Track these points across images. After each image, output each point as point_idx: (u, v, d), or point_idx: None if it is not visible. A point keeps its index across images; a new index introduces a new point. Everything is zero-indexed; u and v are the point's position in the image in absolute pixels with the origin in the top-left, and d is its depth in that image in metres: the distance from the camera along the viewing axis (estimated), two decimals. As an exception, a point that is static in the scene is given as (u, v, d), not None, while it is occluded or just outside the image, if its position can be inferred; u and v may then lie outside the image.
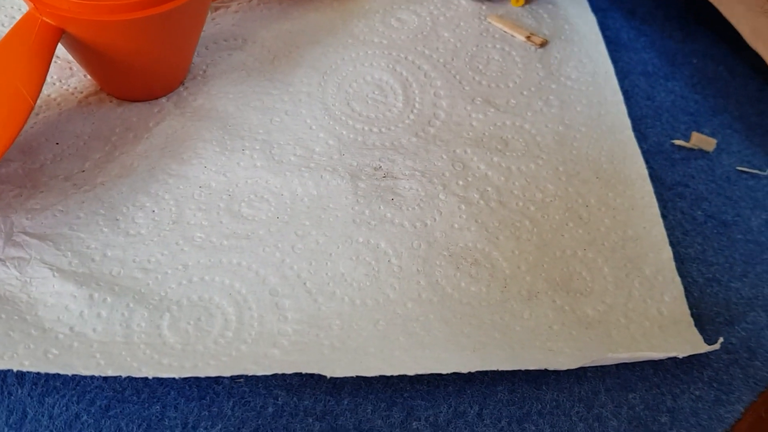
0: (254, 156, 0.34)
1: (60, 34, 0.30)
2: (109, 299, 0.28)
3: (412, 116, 0.36)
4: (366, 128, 0.36)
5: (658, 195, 0.35)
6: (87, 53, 0.32)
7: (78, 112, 0.34)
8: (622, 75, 0.40)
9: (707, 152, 0.37)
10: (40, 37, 0.29)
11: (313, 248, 0.31)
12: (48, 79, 0.35)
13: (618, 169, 0.35)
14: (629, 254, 0.32)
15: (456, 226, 0.32)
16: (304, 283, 0.30)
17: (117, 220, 0.31)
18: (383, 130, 0.36)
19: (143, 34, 0.31)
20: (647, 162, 0.36)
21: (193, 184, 0.32)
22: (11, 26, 0.36)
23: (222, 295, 0.29)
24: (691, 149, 0.37)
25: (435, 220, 0.32)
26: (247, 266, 0.30)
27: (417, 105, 0.37)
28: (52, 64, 0.33)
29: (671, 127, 0.38)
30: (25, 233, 0.30)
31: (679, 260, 0.33)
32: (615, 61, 0.40)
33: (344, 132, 0.35)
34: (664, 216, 0.34)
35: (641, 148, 0.36)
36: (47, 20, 0.29)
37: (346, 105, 0.36)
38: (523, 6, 0.42)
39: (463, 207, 0.33)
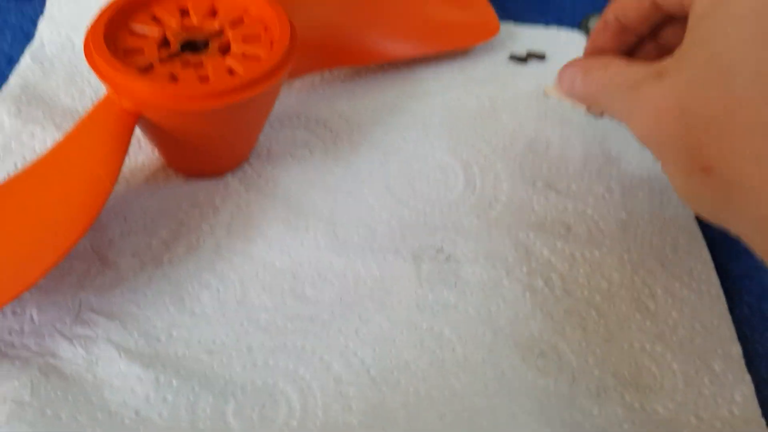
0: (318, 236, 0.34)
1: (137, 118, 0.30)
2: (174, 382, 0.28)
3: (473, 198, 0.36)
4: (428, 209, 0.36)
5: (724, 287, 0.34)
6: (159, 134, 0.32)
7: (146, 188, 0.35)
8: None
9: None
10: (119, 122, 0.30)
11: (376, 333, 0.30)
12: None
13: (683, 259, 0.35)
14: (698, 349, 0.31)
15: (521, 314, 0.32)
16: (368, 371, 0.29)
17: (183, 298, 0.31)
18: (444, 211, 0.36)
19: (217, 121, 0.32)
20: (712, 252, 0.35)
21: (258, 263, 0.32)
22: (82, 101, 0.38)
23: (286, 380, 0.29)
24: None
25: (499, 307, 0.32)
26: (311, 350, 0.30)
27: (478, 187, 0.37)
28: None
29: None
30: (93, 311, 0.30)
31: (748, 357, 0.32)
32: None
33: (406, 212, 0.35)
34: (730, 310, 0.33)
35: (706, 237, 0.36)
36: (126, 105, 0.30)
37: (408, 185, 0.37)
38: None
39: (527, 294, 0.32)
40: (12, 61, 0.40)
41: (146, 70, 0.31)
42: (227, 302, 0.31)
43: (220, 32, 0.33)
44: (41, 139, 0.36)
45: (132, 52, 0.32)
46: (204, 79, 0.31)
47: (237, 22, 0.34)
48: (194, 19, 0.34)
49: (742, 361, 0.31)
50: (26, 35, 0.42)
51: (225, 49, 0.33)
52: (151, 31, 0.33)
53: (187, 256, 0.32)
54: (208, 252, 0.33)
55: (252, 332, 0.30)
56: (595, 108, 0.32)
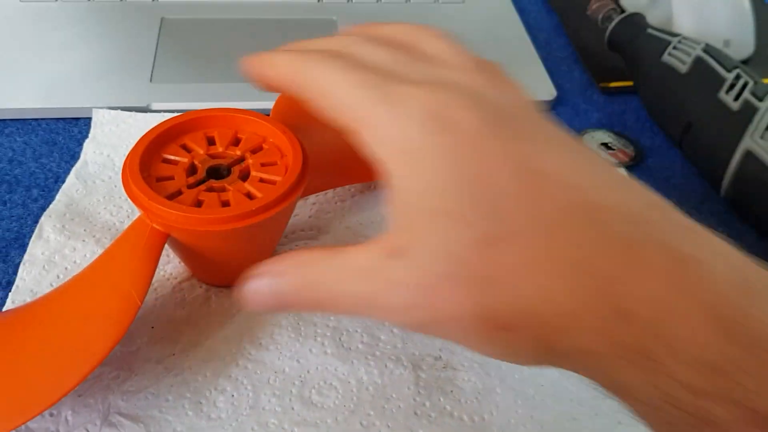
0: (325, 343, 0.37)
1: (166, 238, 0.34)
2: (190, 483, 0.31)
3: (470, 307, 0.39)
4: (427, 318, 0.39)
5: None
6: (186, 251, 0.36)
7: (171, 298, 0.38)
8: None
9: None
10: (150, 242, 0.34)
11: (376, 438, 0.33)
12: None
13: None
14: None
15: (512, 421, 0.34)
16: (368, 474, 0.32)
17: (200, 403, 0.34)
18: (443, 320, 0.39)
19: (237, 239, 0.35)
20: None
21: (269, 369, 0.36)
22: (119, 216, 0.42)
23: (292, 482, 0.31)
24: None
25: (492, 414, 0.34)
26: (315, 454, 0.32)
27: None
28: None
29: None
30: (120, 414, 0.33)
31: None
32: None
33: (407, 321, 0.38)
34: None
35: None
36: (156, 227, 0.34)
37: (410, 295, 0.40)
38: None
39: (519, 401, 0.35)
40: (59, 179, 0.45)
41: (174, 195, 0.35)
42: (240, 407, 0.34)
43: (242, 159, 0.37)
44: (81, 253, 0.40)
45: (163, 179, 0.36)
46: (225, 203, 0.35)
47: (257, 150, 0.38)
48: (219, 147, 0.38)
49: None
50: (72, 155, 0.47)
51: (245, 176, 0.37)
52: (181, 159, 0.37)
53: (205, 363, 0.35)
54: (225, 359, 0.36)
55: (262, 436, 0.33)
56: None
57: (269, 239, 0.39)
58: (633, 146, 0.51)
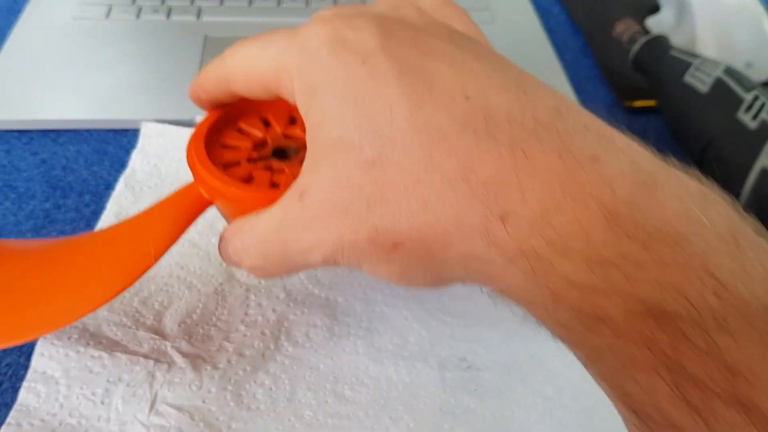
0: (357, 343, 0.39)
1: (207, 206, 0.34)
2: (232, 467, 0.33)
3: (495, 312, 0.41)
4: (454, 321, 0.41)
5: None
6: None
7: (213, 297, 0.41)
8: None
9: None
10: (189, 205, 0.34)
11: (404, 432, 0.35)
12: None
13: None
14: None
15: (532, 419, 0.36)
16: (396, 464, 0.34)
17: (241, 395, 0.36)
18: (469, 323, 0.41)
19: None
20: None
21: (305, 366, 0.38)
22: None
23: (325, 470, 0.33)
24: None
25: (513, 411, 0.36)
26: (347, 445, 0.35)
27: (499, 302, 0.42)
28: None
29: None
30: (167, 403, 0.36)
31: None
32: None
33: (435, 324, 0.41)
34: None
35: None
36: (202, 191, 0.34)
37: (437, 300, 0.42)
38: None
39: (539, 400, 0.37)
40: (109, 187, 0.48)
41: (230, 165, 0.35)
42: (278, 400, 0.36)
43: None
44: (130, 255, 0.43)
45: (228, 147, 0.36)
46: (275, 184, 0.34)
47: None
48: (277, 128, 0.37)
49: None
50: (121, 164, 0.50)
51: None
52: (254, 131, 0.37)
53: (245, 359, 0.38)
54: (263, 355, 0.38)
55: (298, 427, 0.35)
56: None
57: None
58: (654, 163, 0.53)
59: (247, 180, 0.34)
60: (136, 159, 0.50)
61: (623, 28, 0.58)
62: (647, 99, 0.58)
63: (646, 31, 0.58)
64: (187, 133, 0.51)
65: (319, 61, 0.25)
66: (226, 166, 0.34)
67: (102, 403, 0.36)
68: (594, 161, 0.22)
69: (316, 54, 0.25)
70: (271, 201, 0.32)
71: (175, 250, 0.43)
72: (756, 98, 0.48)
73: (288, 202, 0.27)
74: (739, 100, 0.48)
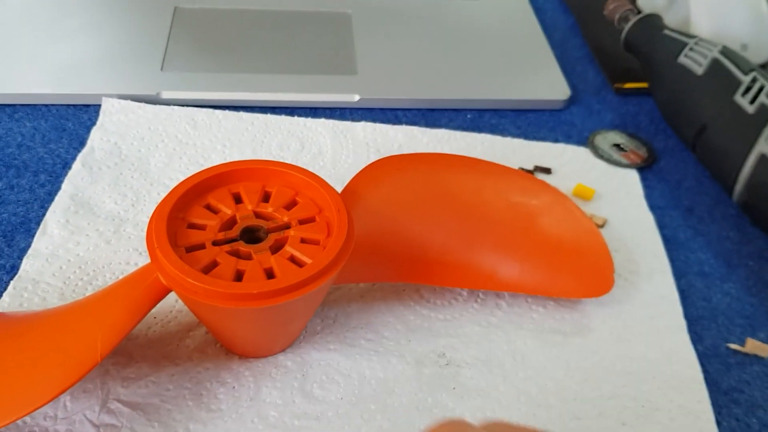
0: (328, 338, 0.37)
1: (166, 293, 0.31)
2: (188, 473, 0.30)
3: (476, 305, 0.39)
4: (432, 315, 0.38)
5: (712, 399, 0.36)
6: (197, 315, 0.34)
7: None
8: (678, 274, 0.42)
9: (762, 358, 0.38)
10: (144, 293, 0.31)
11: (377, 433, 0.33)
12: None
13: (675, 371, 0.36)
14: (684, 461, 0.33)
15: (515, 418, 0.34)
16: (367, 469, 0.31)
17: (201, 394, 0.34)
18: (448, 317, 0.38)
19: (252, 319, 0.32)
20: (702, 365, 0.37)
21: (271, 363, 0.35)
22: (123, 205, 0.42)
23: (290, 475, 0.31)
24: (746, 354, 0.38)
25: (494, 411, 0.34)
26: (315, 448, 0.32)
27: (481, 295, 0.39)
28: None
29: (727, 330, 0.39)
30: (119, 401, 0.33)
31: (735, 470, 0.33)
32: (672, 260, 0.43)
33: (412, 318, 0.38)
34: (718, 422, 0.35)
35: (697, 350, 0.38)
36: (160, 278, 0.31)
37: (416, 292, 0.39)
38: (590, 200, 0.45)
39: (522, 399, 0.34)
40: (67, 165, 0.45)
41: (195, 249, 0.32)
42: (241, 399, 0.34)
43: (287, 226, 0.33)
44: (85, 247, 0.40)
45: (195, 226, 0.33)
46: (240, 275, 0.31)
47: (290, 206, 0.34)
48: (248, 205, 0.34)
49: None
50: (81, 141, 0.47)
51: (278, 248, 0.33)
52: (224, 210, 0.34)
53: (207, 355, 0.35)
54: (227, 352, 0.35)
55: (262, 429, 0.32)
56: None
57: (298, 320, 0.35)
58: (645, 148, 0.50)
59: (211, 267, 0.31)
60: (95, 136, 0.46)
61: (614, 6, 0.55)
62: (639, 81, 0.56)
63: (638, 10, 0.55)
64: (151, 111, 0.49)
65: None
66: (189, 249, 0.32)
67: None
68: None
69: None
70: (233, 296, 0.29)
71: (134, 234, 0.41)
72: (754, 80, 0.45)
73: None
74: (736, 83, 0.46)
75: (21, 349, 0.31)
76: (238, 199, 0.35)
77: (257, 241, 0.33)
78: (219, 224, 0.33)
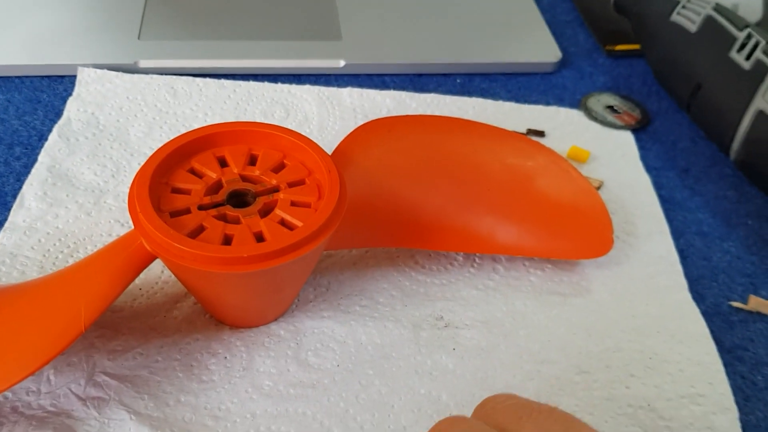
0: (321, 306, 0.35)
1: (151, 261, 0.30)
2: (180, 445, 0.29)
3: (473, 270, 0.38)
4: (428, 280, 0.37)
5: (718, 357, 0.35)
6: (185, 283, 0.33)
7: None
8: (677, 234, 0.41)
9: (766, 315, 0.37)
10: (128, 261, 0.30)
11: (375, 399, 0.32)
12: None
13: (679, 326, 0.36)
14: (695, 412, 0.32)
15: (518, 377, 0.33)
16: (367, 436, 0.30)
17: (191, 366, 0.32)
18: (444, 282, 0.37)
19: (242, 285, 0.31)
20: (706, 323, 0.36)
21: (264, 333, 0.34)
22: (103, 176, 0.40)
23: (287, 445, 0.30)
24: (750, 312, 0.37)
25: (496, 370, 0.33)
26: (312, 416, 0.31)
27: (477, 259, 0.38)
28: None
29: (728, 289, 0.38)
30: (106, 373, 0.31)
31: (741, 427, 0.32)
32: (670, 220, 0.42)
33: (407, 283, 0.37)
34: (724, 380, 0.34)
35: (699, 309, 0.37)
36: (145, 244, 0.29)
37: (410, 257, 0.38)
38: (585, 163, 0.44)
39: (524, 357, 0.33)
40: (43, 137, 0.43)
41: (180, 213, 0.30)
42: (233, 369, 0.32)
43: (275, 189, 0.32)
44: (64, 219, 0.38)
45: (179, 191, 0.31)
46: (228, 239, 0.30)
47: (279, 168, 0.33)
48: (234, 169, 0.33)
49: (738, 426, 0.32)
50: (57, 113, 0.45)
51: (268, 210, 0.31)
52: (209, 173, 0.32)
53: (195, 326, 0.34)
54: (217, 322, 0.34)
55: (256, 398, 0.31)
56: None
57: (291, 284, 0.33)
58: (639, 109, 0.49)
59: (198, 231, 0.30)
60: (71, 107, 0.44)
61: (602, -31, 0.54)
62: (630, 43, 0.55)
63: (627, -29, 0.54)
64: (129, 80, 0.47)
65: None
66: (173, 214, 0.30)
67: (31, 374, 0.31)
68: None
69: None
70: (222, 261, 0.28)
71: (115, 206, 0.39)
72: (749, 37, 0.44)
73: None
74: (731, 39, 0.45)
75: (0, 321, 0.29)
76: (223, 163, 0.33)
77: (245, 205, 0.31)
78: (204, 188, 0.31)
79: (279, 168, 0.33)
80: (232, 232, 0.30)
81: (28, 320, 0.29)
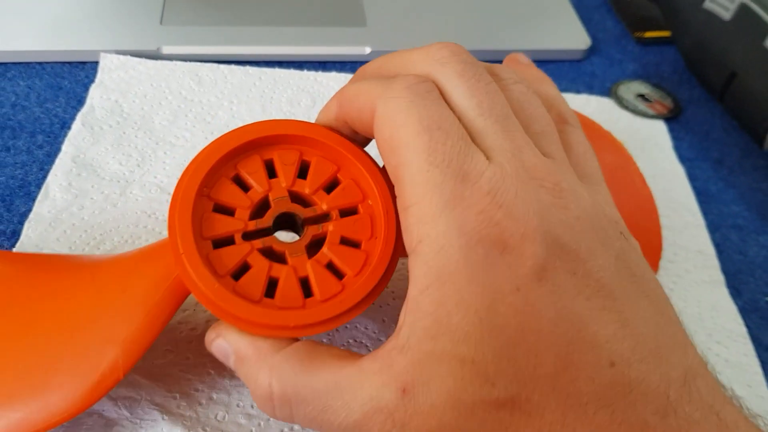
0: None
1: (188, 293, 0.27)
2: (214, 445, 0.29)
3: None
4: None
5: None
6: None
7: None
8: (712, 228, 0.40)
9: (805, 312, 0.37)
10: (169, 297, 0.27)
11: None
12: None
13: (717, 325, 0.35)
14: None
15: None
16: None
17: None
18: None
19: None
20: (742, 320, 0.36)
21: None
22: (128, 165, 0.40)
23: (322, 444, 0.29)
24: (789, 309, 0.37)
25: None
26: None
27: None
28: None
29: (765, 284, 0.38)
30: (136, 372, 0.31)
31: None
32: (705, 213, 0.41)
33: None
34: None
35: (736, 305, 0.36)
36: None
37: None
38: (611, 155, 0.43)
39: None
40: (65, 125, 0.42)
41: (222, 243, 0.27)
42: (265, 365, 0.32)
43: (326, 216, 0.28)
44: (90, 210, 0.37)
45: (222, 209, 0.28)
46: (273, 281, 0.27)
47: (331, 186, 0.29)
48: (282, 182, 0.28)
49: None
50: (79, 100, 0.44)
51: (314, 244, 0.28)
52: (255, 186, 0.28)
53: (227, 319, 0.33)
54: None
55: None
56: None
57: None
58: (670, 98, 0.48)
59: (240, 271, 0.26)
60: (94, 95, 0.44)
61: (631, -48, 0.53)
62: (661, 29, 0.53)
63: (657, -45, 0.53)
64: (153, 67, 0.46)
65: (467, 253, 0.22)
66: (216, 244, 0.27)
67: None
68: None
69: (468, 244, 0.22)
70: (265, 326, 0.25)
71: (141, 196, 0.38)
72: (787, 24, 0.43)
73: (376, 384, 0.23)
74: (766, 27, 0.44)
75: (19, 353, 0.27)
76: (270, 170, 0.29)
77: (290, 226, 0.29)
78: (250, 208, 0.28)
79: (331, 186, 0.29)
80: (277, 274, 0.26)
81: (58, 360, 0.27)
